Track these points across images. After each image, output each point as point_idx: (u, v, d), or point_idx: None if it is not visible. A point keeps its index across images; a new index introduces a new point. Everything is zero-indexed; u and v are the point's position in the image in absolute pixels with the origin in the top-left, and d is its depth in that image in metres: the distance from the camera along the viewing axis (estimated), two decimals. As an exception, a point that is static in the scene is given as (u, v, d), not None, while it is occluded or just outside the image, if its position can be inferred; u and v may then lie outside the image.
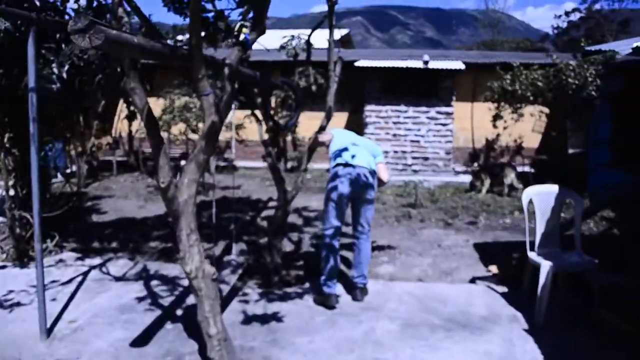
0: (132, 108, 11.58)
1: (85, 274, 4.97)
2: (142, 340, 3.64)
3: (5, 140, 5.07)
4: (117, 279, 4.91)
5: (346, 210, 4.40)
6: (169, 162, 2.85)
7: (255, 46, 4.87)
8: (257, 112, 5.93)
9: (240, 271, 4.74)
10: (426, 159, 11.37)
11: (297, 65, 11.72)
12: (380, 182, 4.54)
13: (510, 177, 9.30)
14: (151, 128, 2.83)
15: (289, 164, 12.85)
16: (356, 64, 11.22)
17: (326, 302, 4.26)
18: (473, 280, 5.07)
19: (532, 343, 3.66)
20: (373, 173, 4.41)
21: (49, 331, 3.69)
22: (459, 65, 11.03)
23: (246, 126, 11.72)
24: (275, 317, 4.07)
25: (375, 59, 11.73)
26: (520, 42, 32.19)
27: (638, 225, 4.78)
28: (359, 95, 11.91)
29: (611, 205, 5.56)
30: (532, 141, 12.16)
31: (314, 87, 11.49)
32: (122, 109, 12.54)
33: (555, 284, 4.15)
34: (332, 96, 4.78)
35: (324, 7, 4.66)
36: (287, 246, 5.96)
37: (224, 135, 12.40)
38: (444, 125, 11.12)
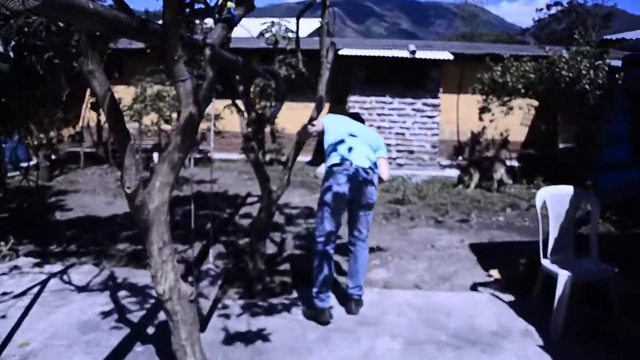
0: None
1: (43, 284, 4.39)
2: (106, 367, 3.13)
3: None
4: (80, 289, 4.35)
5: (343, 214, 3.90)
6: (137, 161, 2.33)
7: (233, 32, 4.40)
8: (239, 102, 5.38)
9: (219, 282, 4.23)
10: (411, 152, 10.93)
11: (277, 53, 11.19)
12: (380, 180, 3.99)
13: (500, 172, 8.94)
14: (114, 120, 2.29)
15: (268, 157, 12.32)
16: (340, 52, 10.71)
17: (319, 317, 3.78)
18: (474, 287, 4.65)
19: (550, 361, 3.26)
20: (374, 171, 3.87)
21: (-5, 357, 3.14)
22: (447, 55, 10.59)
23: (224, 117, 11.15)
24: (261, 335, 3.58)
25: (358, 48, 11.22)
26: (498, 35, 32.13)
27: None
28: (342, 86, 11.42)
29: (619, 207, 5.20)
30: (518, 135, 11.86)
31: (293, 76, 10.99)
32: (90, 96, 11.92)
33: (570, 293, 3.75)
34: (324, 85, 4.29)
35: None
36: (269, 248, 5.46)
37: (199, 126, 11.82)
38: (430, 117, 10.69)
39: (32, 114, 4.99)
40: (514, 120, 10.69)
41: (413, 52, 10.08)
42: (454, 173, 10.19)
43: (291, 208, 7.60)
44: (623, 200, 4.60)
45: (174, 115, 10.64)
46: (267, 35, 11.04)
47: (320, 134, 4.06)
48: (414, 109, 10.87)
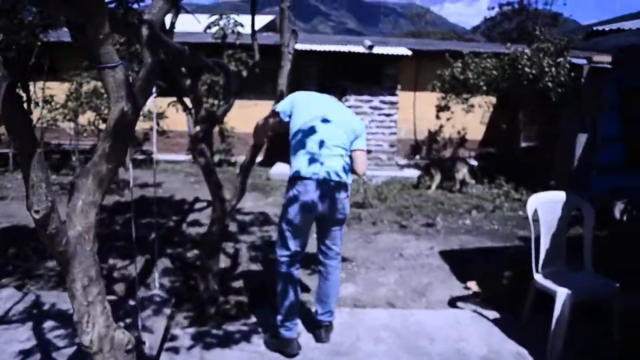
0: (34, 91, 10.04)
1: (-52, 317, 3.66)
2: None
3: None
4: (-4, 321, 3.63)
5: (309, 230, 3.32)
6: (48, 176, 1.71)
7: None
8: (186, 99, 4.71)
9: (168, 310, 3.61)
10: (369, 152, 10.46)
11: (225, 48, 10.51)
12: (354, 173, 3.35)
13: (462, 172, 8.61)
14: (15, 121, 1.67)
15: (216, 157, 11.62)
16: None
17: (285, 348, 3.22)
18: (453, 302, 4.23)
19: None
20: (347, 174, 3.25)
21: None
22: (404, 51, 10.19)
23: (168, 115, 10.38)
24: (217, 375, 3.01)
25: (312, 43, 10.69)
26: (446, 34, 32.33)
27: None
28: (295, 82, 10.85)
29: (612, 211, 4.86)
30: (476, 133, 11.65)
31: (244, 73, 10.34)
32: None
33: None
34: (285, 78, 3.75)
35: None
36: (222, 260, 4.85)
37: (141, 126, 10.99)
38: (387, 115, 10.27)
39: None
40: (471, 119, 10.44)
41: (370, 47, 9.63)
42: (413, 173, 9.83)
43: (244, 214, 7.00)
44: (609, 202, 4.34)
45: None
46: (215, 29, 10.37)
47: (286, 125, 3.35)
48: (371, 107, 10.43)
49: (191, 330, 3.57)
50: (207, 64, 4.03)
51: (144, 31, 1.95)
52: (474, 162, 9.04)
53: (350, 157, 3.31)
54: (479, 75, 8.66)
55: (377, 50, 9.89)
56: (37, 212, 1.69)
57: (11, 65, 8.78)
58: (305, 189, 3.11)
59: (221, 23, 10.33)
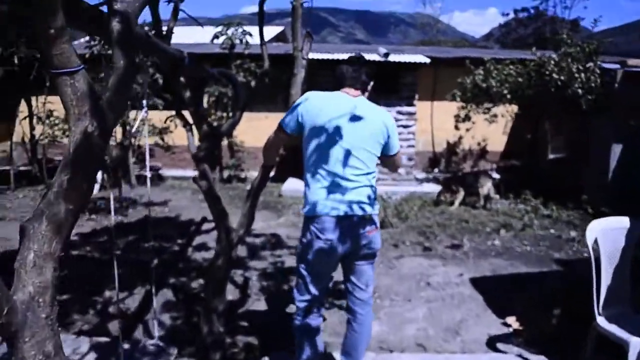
0: (36, 106, 9.66)
1: None
2: None
3: None
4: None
5: (332, 271, 2.76)
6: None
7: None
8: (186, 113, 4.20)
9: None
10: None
11: (233, 58, 10.09)
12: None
13: (487, 187, 8.02)
14: None
15: (226, 173, 11.15)
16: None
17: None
18: (492, 344, 3.67)
19: None
20: (374, 203, 2.67)
21: None
22: (422, 59, 9.66)
23: (172, 130, 9.93)
24: None
25: (325, 52, 10.21)
26: (458, 42, 31.83)
27: None
28: (308, 93, 10.38)
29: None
30: (497, 144, 11.06)
31: (253, 83, 9.89)
32: (22, 108, 10.52)
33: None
34: (299, 87, 3.27)
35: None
36: (229, 292, 4.31)
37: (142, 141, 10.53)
38: (405, 127, 9.72)
39: None
40: (492, 129, 9.87)
41: (386, 55, 9.12)
42: (432, 188, 9.26)
43: (254, 236, 6.46)
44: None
45: (119, 128, 9.39)
46: (222, 38, 9.95)
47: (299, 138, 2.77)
48: (387, 119, 9.89)
49: (193, 382, 3.06)
50: (212, 74, 3.53)
51: (114, 24, 1.45)
52: (497, 175, 8.45)
53: (383, 160, 2.87)
54: (502, 82, 8.13)
55: (393, 57, 9.38)
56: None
57: (13, 79, 8.45)
58: (322, 227, 2.53)
59: (229, 32, 9.93)
